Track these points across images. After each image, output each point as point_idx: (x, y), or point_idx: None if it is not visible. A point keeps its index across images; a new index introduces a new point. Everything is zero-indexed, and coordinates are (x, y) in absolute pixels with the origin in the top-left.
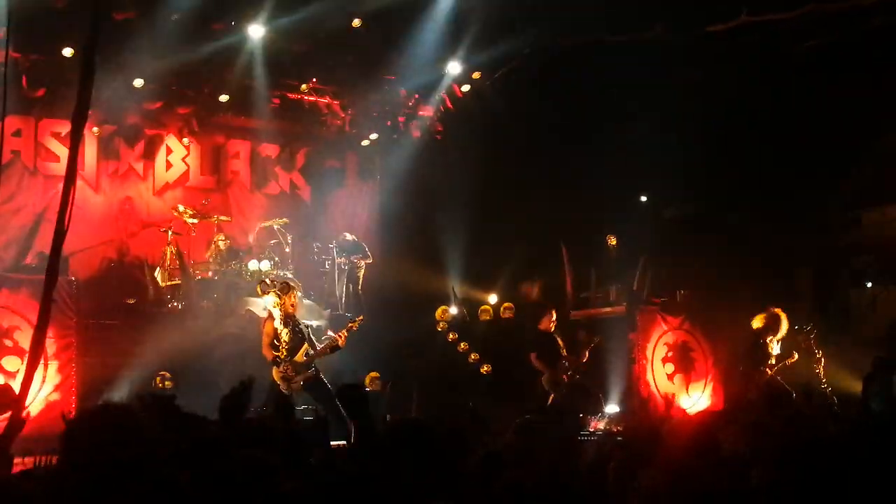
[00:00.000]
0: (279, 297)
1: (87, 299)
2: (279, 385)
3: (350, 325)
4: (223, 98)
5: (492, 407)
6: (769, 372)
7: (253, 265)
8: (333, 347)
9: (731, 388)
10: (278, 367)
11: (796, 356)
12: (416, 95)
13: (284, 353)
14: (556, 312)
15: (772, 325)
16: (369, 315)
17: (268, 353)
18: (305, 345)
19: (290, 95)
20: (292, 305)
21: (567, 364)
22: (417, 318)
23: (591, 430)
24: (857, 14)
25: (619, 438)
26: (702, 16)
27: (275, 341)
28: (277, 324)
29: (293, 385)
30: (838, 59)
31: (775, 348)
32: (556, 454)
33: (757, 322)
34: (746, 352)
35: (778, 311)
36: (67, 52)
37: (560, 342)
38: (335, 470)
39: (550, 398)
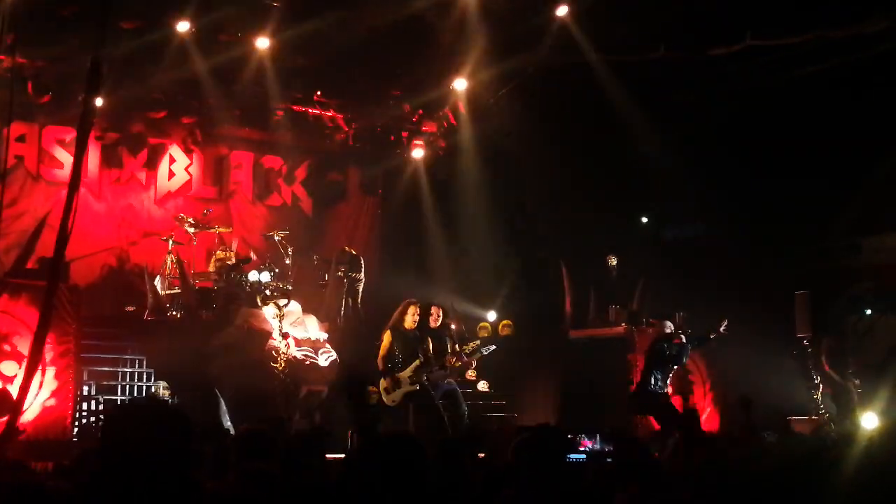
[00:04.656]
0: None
1: (87, 306)
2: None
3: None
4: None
5: (489, 423)
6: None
7: (253, 276)
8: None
9: (727, 413)
10: (384, 378)
11: None
12: (420, 111)
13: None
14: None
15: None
16: (367, 329)
17: (379, 364)
18: (417, 361)
19: (294, 108)
20: (421, 320)
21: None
22: None
23: (582, 448)
24: (861, 41)
25: (608, 460)
26: (705, 38)
27: (392, 354)
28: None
29: (392, 398)
30: (841, 84)
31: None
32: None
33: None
34: None
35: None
36: (73, 58)
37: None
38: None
39: None
